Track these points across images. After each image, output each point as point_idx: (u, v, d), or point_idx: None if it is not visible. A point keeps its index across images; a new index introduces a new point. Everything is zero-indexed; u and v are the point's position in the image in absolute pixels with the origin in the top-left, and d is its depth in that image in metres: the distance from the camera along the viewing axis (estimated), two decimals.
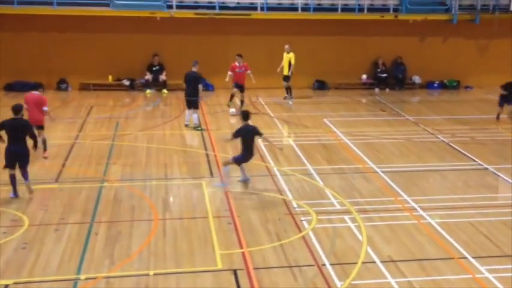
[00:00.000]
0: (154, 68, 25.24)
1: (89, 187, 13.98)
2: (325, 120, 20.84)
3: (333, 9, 26.45)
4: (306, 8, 26.18)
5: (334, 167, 15.77)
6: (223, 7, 25.59)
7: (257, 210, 12.79)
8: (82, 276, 9.89)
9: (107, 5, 24.68)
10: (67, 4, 24.27)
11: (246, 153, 14.33)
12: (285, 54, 23.84)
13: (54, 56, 24.94)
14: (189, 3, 25.57)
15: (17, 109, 13.59)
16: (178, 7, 25.27)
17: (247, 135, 14.23)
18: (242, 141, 14.26)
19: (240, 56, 22.06)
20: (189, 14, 25.23)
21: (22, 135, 13.29)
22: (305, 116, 21.50)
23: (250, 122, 14.52)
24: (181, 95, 24.51)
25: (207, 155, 16.66)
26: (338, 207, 13.02)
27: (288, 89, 24.24)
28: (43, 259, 10.47)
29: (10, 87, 24.67)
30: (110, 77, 25.54)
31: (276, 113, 21.84)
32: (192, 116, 19.46)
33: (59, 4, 24.12)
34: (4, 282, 9.61)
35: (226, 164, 14.33)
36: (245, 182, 14.50)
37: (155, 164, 15.82)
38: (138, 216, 12.38)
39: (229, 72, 22.14)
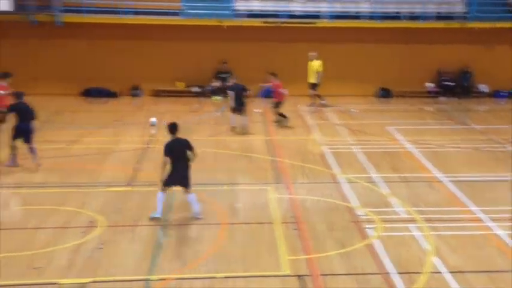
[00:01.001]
0: (222, 75, 25.58)
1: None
2: (389, 128, 20.70)
3: (397, 17, 26.26)
4: (370, 16, 26.07)
5: (399, 175, 15.65)
6: (289, 16, 25.76)
7: (322, 217, 12.83)
8: (154, 277, 10.13)
9: (177, 14, 25.16)
10: (141, 13, 24.86)
11: (173, 172, 12.51)
12: (309, 62, 23.77)
13: (127, 63, 25.52)
14: (256, 12, 25.83)
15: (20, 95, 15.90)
16: (246, 16, 25.57)
17: (176, 150, 12.49)
18: (172, 159, 12.44)
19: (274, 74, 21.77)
20: (256, 22, 25.49)
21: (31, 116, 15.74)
22: (369, 123, 21.41)
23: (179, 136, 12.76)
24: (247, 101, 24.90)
25: (273, 161, 16.79)
26: (403, 215, 12.94)
27: (317, 96, 24.09)
28: (118, 259, 10.77)
29: (87, 93, 25.42)
30: (180, 84, 26.00)
31: (340, 121, 21.83)
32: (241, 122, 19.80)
33: (134, 13, 24.75)
34: (82, 280, 9.93)
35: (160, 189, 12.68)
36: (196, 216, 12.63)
37: (222, 170, 16.03)
38: (207, 220, 12.59)
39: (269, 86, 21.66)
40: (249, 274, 10.31)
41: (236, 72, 25.24)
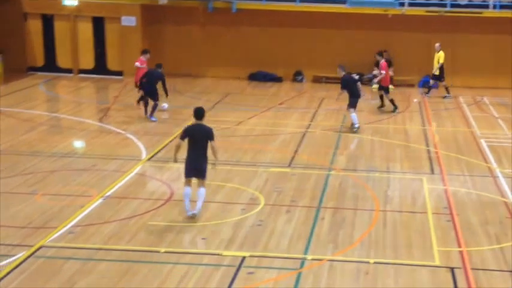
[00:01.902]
0: None
1: (317, 174, 14.57)
2: None
3: None
4: None
5: None
6: (454, 5, 24.91)
7: (477, 210, 12.51)
8: (308, 257, 10.42)
9: (344, 2, 25.19)
10: (308, 1, 25.17)
11: (188, 160, 11.70)
12: (435, 54, 22.76)
13: (292, 49, 25.94)
14: (420, 1, 25.24)
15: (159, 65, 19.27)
16: (410, 4, 25.07)
17: (195, 137, 11.63)
18: (188, 144, 11.65)
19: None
20: (420, 11, 24.92)
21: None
22: None
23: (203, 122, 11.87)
24: (407, 90, 24.53)
25: (429, 151, 16.52)
26: None
27: (446, 88, 23.12)
28: (275, 237, 11.16)
29: (253, 77, 26.22)
30: None
31: (500, 114, 20.93)
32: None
33: (302, 1, 25.13)
34: (242, 254, 10.45)
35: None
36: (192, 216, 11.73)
37: (378, 157, 16.02)
38: (360, 206, 12.69)
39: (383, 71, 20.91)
40: (399, 262, 10.33)
41: (396, 61, 24.97)
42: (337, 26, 25.55)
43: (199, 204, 11.75)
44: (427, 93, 23.65)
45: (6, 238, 10.67)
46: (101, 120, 19.01)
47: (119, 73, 25.97)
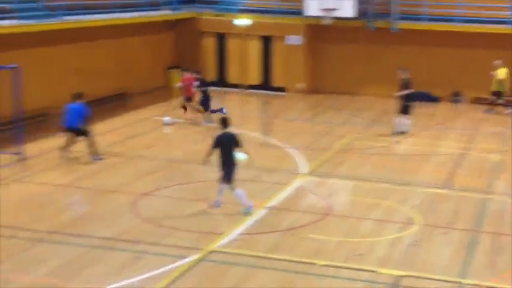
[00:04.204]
0: None
1: (475, 197, 13.88)
2: None
3: None
4: None
5: None
6: None
7: None
8: (465, 281, 9.93)
9: (504, 23, 23.88)
10: (468, 22, 24.16)
11: (224, 168, 12.11)
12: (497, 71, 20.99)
13: (450, 69, 25.02)
14: None
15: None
16: None
17: (224, 144, 12.07)
18: (220, 153, 12.07)
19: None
20: None
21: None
22: None
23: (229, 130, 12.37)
24: None
25: None
26: None
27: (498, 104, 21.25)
28: (431, 258, 10.74)
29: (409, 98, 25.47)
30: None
31: None
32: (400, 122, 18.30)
33: (460, 22, 24.19)
34: (398, 272, 10.14)
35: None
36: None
37: None
38: None
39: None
40: None
41: None
42: (498, 46, 24.24)
43: (244, 201, 12.26)
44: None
45: (180, 241, 11.18)
46: (264, 133, 19.42)
47: (282, 89, 26.43)
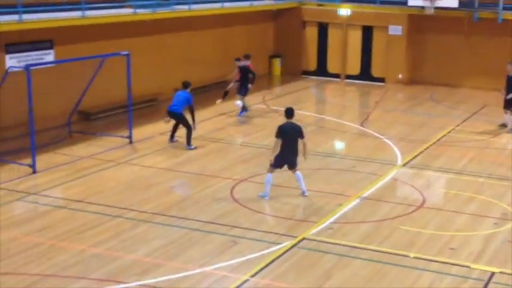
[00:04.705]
0: None
1: None
2: None
3: None
4: None
5: None
6: None
7: None
8: None
9: None
10: None
11: (281, 154, 12.31)
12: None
13: None
14: None
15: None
16: None
17: (288, 134, 12.29)
18: (282, 141, 12.32)
19: None
20: None
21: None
22: None
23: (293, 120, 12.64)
24: None
25: None
26: None
27: None
28: None
29: None
30: None
31: None
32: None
33: None
34: (491, 269, 9.92)
35: (268, 170, 12.59)
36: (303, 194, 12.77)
37: None
38: None
39: None
40: None
41: None
42: None
43: (303, 186, 12.69)
44: None
45: (274, 227, 11.48)
46: (362, 124, 19.35)
47: (382, 80, 26.11)
